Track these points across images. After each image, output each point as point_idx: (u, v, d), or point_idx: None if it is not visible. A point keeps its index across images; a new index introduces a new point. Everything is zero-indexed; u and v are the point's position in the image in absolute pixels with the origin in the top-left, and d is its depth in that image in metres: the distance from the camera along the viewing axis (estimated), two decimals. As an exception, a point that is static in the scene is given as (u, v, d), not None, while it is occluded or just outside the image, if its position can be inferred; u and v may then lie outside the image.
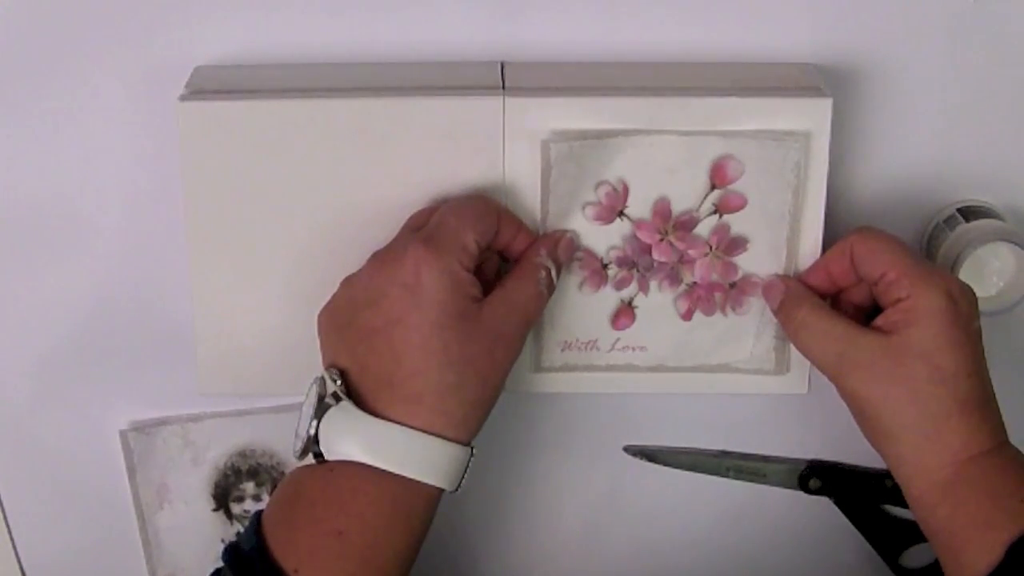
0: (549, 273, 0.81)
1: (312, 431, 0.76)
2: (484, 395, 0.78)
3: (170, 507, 0.96)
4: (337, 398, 0.77)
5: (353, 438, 0.76)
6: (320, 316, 0.80)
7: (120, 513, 0.96)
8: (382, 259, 0.78)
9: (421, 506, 0.77)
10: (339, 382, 0.77)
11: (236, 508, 0.96)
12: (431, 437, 0.76)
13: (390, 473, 0.76)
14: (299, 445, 0.77)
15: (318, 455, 0.77)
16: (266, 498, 0.96)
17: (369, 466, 0.76)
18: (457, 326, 0.76)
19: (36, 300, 0.90)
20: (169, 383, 0.92)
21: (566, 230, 0.83)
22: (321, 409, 0.76)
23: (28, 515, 0.96)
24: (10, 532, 0.96)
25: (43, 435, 0.94)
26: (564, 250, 0.83)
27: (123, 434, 0.93)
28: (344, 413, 0.76)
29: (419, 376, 0.76)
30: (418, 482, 0.76)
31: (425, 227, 0.79)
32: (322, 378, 0.78)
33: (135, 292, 0.90)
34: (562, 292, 0.85)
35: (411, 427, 0.76)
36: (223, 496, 0.96)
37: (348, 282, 0.79)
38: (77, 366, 0.92)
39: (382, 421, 0.76)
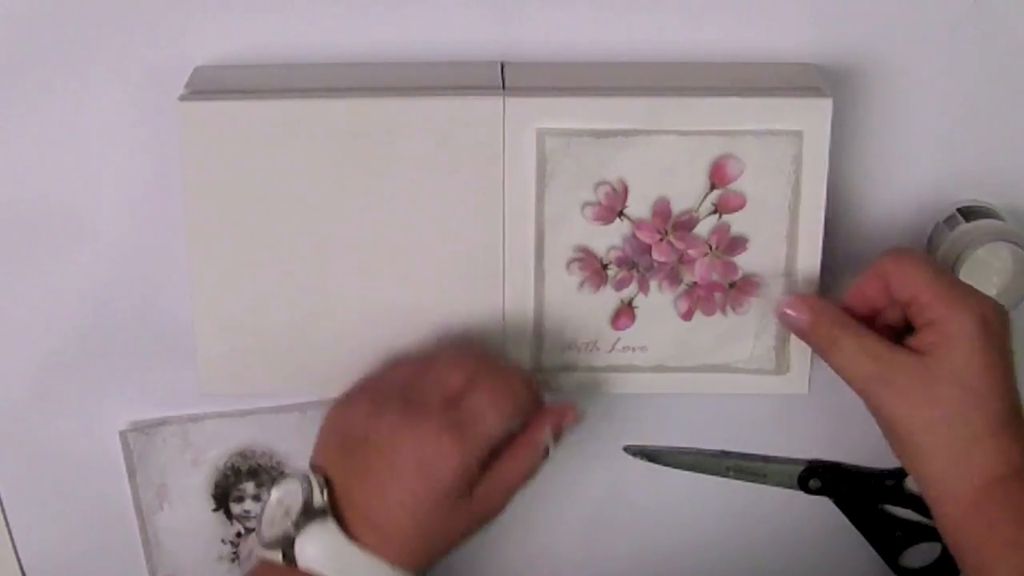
0: (548, 449, 0.82)
1: (293, 534, 0.77)
2: (454, 547, 0.81)
3: (170, 507, 0.96)
4: (323, 513, 0.78)
5: (329, 557, 0.77)
6: (333, 411, 0.82)
7: (120, 513, 0.96)
8: (413, 413, 0.79)
9: None
10: (325, 493, 0.78)
11: (236, 508, 0.96)
12: (398, 571, 0.78)
13: None
14: (272, 537, 0.78)
15: (287, 555, 0.78)
16: (266, 498, 0.96)
17: None
18: (450, 505, 0.78)
19: (36, 300, 0.90)
20: (169, 383, 0.92)
21: (570, 405, 0.83)
22: (307, 516, 0.77)
23: (28, 515, 0.96)
24: (10, 532, 0.96)
25: (43, 435, 0.94)
26: (569, 424, 0.83)
27: (123, 434, 0.93)
28: (326, 529, 0.77)
29: (399, 528, 0.78)
30: None
31: (462, 406, 0.79)
32: (309, 481, 0.78)
33: (135, 292, 0.90)
34: (562, 293, 0.85)
35: (382, 560, 0.77)
36: (223, 496, 0.96)
37: (374, 402, 0.80)
38: (77, 366, 0.92)
39: (360, 551, 0.77)
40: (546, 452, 0.82)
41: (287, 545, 0.77)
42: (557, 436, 0.82)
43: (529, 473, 0.82)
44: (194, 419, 0.93)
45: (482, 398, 0.80)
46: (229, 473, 0.95)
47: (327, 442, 0.81)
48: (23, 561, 0.97)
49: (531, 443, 0.82)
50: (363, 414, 0.80)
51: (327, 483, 0.78)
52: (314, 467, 0.80)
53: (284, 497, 0.79)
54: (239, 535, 0.97)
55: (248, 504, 0.96)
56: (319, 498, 0.78)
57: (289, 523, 0.77)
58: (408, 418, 0.79)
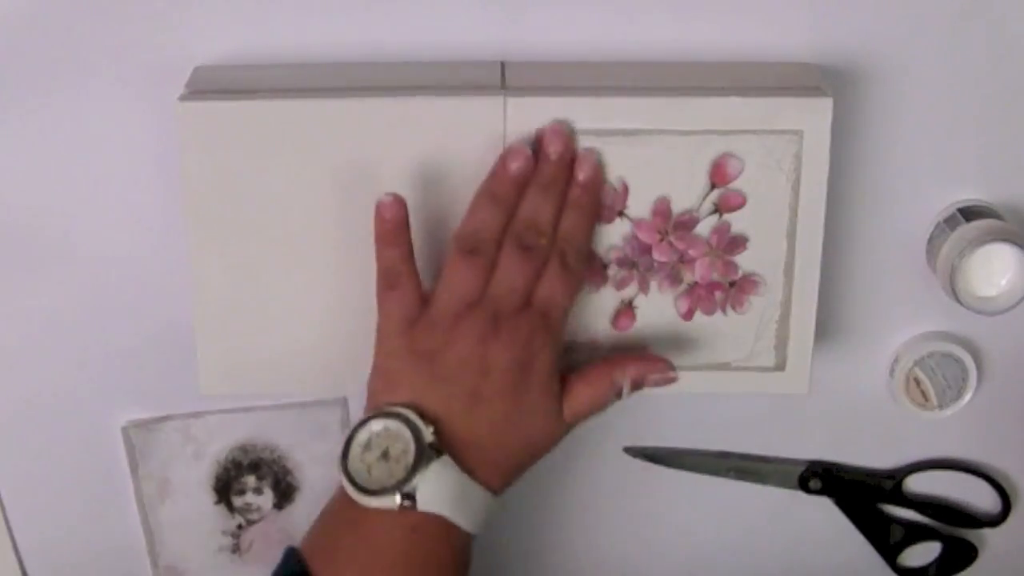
0: (622, 391, 0.82)
1: (413, 481, 0.76)
2: (524, 470, 0.82)
3: (172, 501, 0.96)
4: (438, 451, 0.77)
5: (450, 497, 0.77)
6: (404, 340, 0.79)
7: (122, 507, 0.96)
8: (495, 325, 0.78)
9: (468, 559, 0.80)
10: (432, 430, 0.77)
11: (237, 501, 0.97)
12: (496, 499, 0.79)
13: (465, 532, 0.78)
14: (383, 485, 0.76)
15: (407, 498, 0.76)
16: (267, 492, 0.96)
17: (450, 524, 0.77)
18: (548, 424, 0.80)
19: (38, 299, 0.90)
20: (170, 380, 0.92)
21: (662, 363, 0.83)
22: (423, 460, 0.76)
23: (29, 511, 0.96)
24: (9, 528, 0.96)
25: (44, 432, 0.94)
26: (655, 381, 0.83)
27: (125, 430, 0.94)
28: (444, 468, 0.77)
29: (505, 450, 0.79)
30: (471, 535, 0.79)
31: (537, 294, 0.79)
32: (412, 424, 0.77)
33: (136, 292, 0.90)
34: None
35: (492, 491, 0.79)
36: (224, 489, 0.96)
37: (454, 326, 0.79)
38: (78, 364, 0.92)
39: (480, 487, 0.78)
40: (619, 394, 0.82)
41: (404, 490, 0.76)
42: (636, 386, 0.82)
43: (598, 405, 0.82)
44: (195, 415, 0.94)
45: (552, 285, 0.80)
46: (230, 467, 0.96)
47: (411, 372, 0.79)
48: (24, 556, 0.97)
49: (608, 377, 0.82)
50: (441, 340, 0.78)
51: (423, 417, 0.77)
52: (413, 407, 0.78)
53: (376, 440, 0.77)
54: (240, 527, 0.98)
55: (249, 497, 0.97)
56: (428, 436, 0.76)
57: (403, 466, 0.76)
58: (491, 327, 0.78)
